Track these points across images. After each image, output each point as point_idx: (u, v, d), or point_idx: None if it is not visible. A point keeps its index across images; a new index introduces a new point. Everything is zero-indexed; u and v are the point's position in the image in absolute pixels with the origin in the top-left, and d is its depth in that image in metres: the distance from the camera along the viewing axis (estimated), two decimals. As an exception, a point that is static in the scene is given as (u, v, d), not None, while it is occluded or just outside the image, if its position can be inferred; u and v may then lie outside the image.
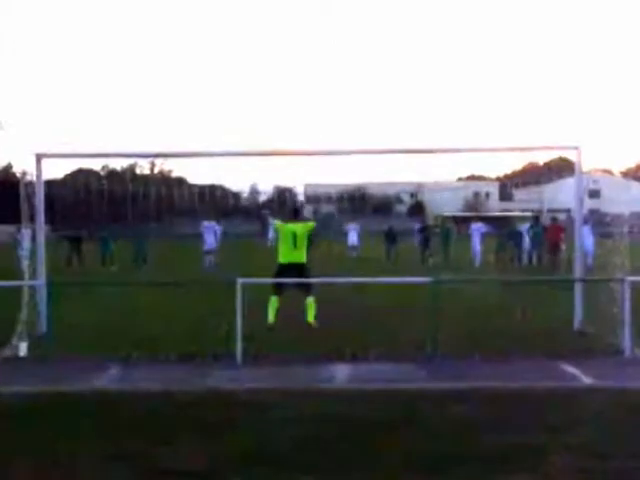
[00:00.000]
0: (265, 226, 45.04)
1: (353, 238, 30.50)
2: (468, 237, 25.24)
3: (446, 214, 54.92)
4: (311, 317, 9.84)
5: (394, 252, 26.94)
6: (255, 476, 4.90)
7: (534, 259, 23.23)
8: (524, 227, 24.81)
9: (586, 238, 15.96)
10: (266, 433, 5.75)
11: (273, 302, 9.88)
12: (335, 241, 32.79)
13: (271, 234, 8.77)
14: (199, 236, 26.21)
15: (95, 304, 12.76)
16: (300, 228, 10.23)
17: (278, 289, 9.94)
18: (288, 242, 10.08)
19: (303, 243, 10.15)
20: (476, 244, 24.22)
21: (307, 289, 9.94)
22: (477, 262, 23.43)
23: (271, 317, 9.83)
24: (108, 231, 26.66)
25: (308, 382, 7.44)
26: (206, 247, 25.17)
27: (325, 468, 5.00)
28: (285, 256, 10.09)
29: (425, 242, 24.93)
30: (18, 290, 9.63)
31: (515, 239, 23.96)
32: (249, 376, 7.79)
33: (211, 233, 25.41)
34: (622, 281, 8.82)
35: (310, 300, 9.90)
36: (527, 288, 14.01)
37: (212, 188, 72.78)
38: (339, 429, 5.81)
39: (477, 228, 24.96)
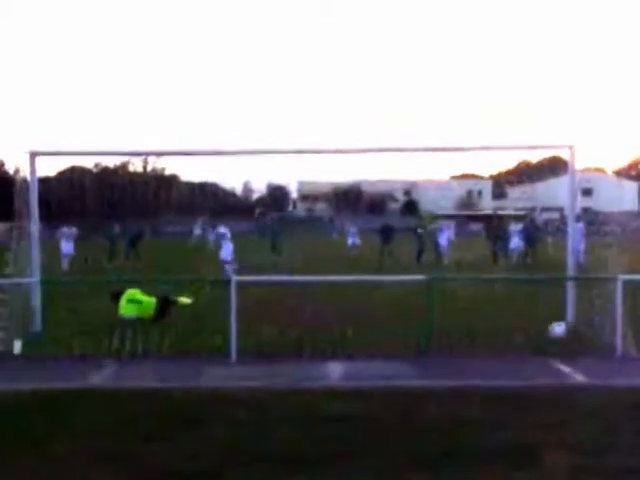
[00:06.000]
0: (260, 225, 44.85)
1: (353, 238, 30.73)
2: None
3: (439, 212, 55.08)
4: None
5: (388, 250, 26.94)
6: (249, 474, 4.90)
7: (528, 258, 23.34)
8: (516, 226, 24.92)
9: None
10: (260, 431, 5.76)
11: None
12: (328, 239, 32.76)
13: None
14: (188, 234, 25.81)
15: (90, 302, 12.69)
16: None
17: None
18: None
19: None
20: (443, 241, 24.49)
21: None
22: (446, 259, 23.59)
23: None
24: (113, 229, 26.23)
25: (302, 380, 7.46)
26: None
27: (319, 466, 5.00)
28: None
29: (420, 240, 24.96)
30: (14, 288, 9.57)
31: (504, 238, 24.08)
32: (243, 374, 7.79)
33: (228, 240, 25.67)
34: (615, 280, 8.87)
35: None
36: (520, 286, 14.06)
37: (205, 186, 72.57)
38: (333, 427, 5.82)
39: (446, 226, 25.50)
